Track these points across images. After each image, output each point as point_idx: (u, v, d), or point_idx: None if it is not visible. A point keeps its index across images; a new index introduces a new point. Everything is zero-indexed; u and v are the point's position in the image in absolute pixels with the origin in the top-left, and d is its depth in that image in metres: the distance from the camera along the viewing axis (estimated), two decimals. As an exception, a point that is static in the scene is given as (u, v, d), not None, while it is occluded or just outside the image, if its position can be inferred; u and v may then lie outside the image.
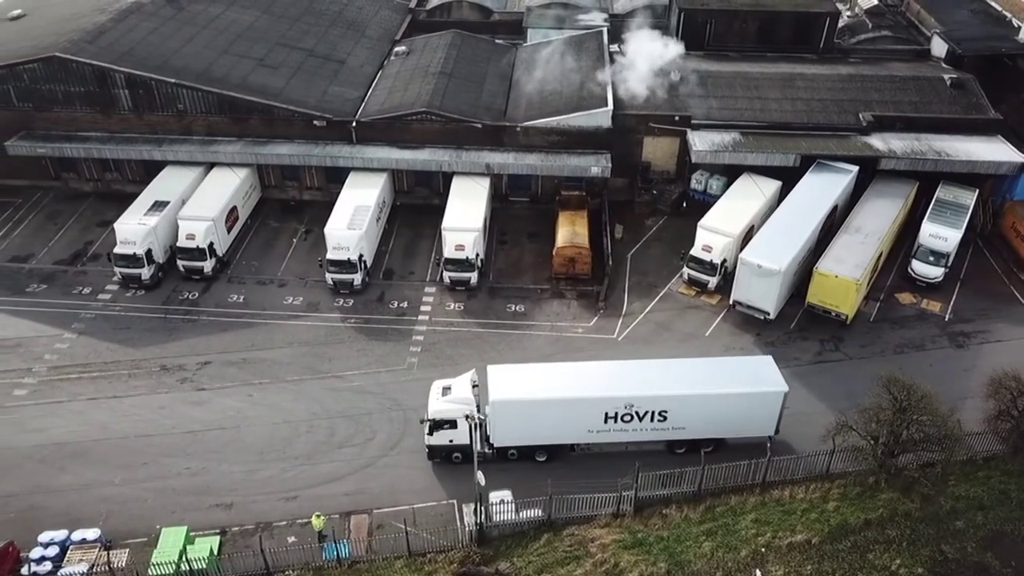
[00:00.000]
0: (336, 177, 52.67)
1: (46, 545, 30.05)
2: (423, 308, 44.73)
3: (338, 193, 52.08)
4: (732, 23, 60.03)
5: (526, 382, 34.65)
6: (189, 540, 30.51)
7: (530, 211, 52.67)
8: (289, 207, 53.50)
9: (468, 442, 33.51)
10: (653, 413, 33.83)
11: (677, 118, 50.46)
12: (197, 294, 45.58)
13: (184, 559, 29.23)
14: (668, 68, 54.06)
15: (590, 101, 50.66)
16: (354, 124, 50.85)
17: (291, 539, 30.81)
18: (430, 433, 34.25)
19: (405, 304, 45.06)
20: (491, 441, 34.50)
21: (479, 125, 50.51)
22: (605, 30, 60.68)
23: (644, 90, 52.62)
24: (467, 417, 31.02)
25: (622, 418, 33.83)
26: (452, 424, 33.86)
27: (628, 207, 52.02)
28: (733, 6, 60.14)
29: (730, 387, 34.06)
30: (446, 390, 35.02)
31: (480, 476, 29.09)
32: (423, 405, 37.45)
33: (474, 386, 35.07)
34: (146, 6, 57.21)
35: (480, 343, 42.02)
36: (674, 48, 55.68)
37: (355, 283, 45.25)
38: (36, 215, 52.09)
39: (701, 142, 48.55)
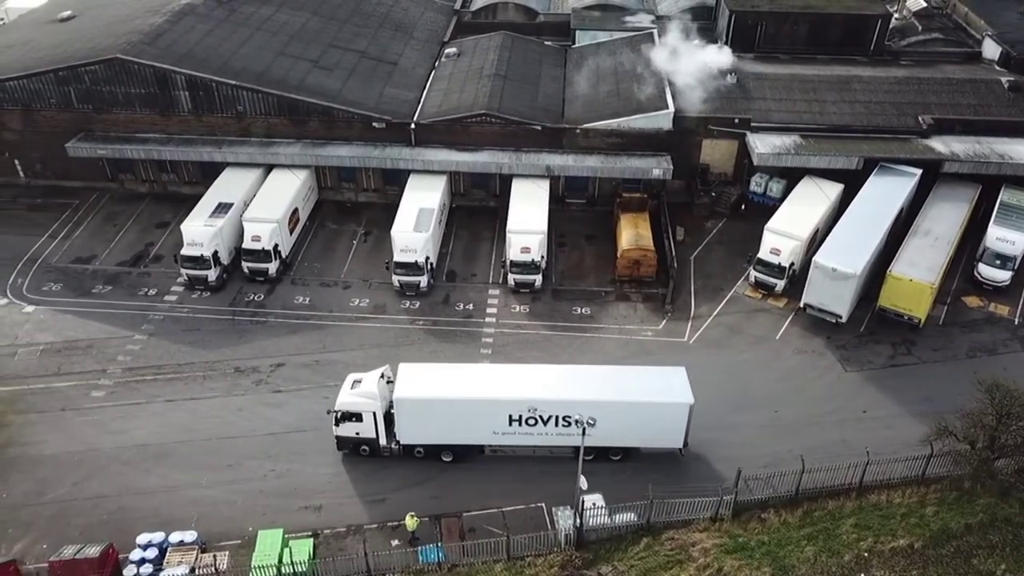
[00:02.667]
0: (392, 179, 52.83)
1: (144, 547, 30.15)
2: (489, 310, 44.77)
3: (394, 195, 52.38)
4: (783, 25, 60.00)
5: (433, 381, 35.02)
6: (284, 543, 30.61)
7: (586, 213, 52.66)
8: (346, 209, 53.54)
9: (374, 436, 34.76)
10: (557, 418, 33.78)
11: (737, 120, 50.42)
12: (263, 296, 45.66)
13: (288, 562, 29.25)
14: (723, 70, 54.11)
15: (650, 103, 50.64)
16: (413, 126, 51.01)
17: (395, 542, 30.89)
18: (336, 424, 34.91)
19: (471, 306, 45.10)
20: (397, 438, 34.95)
21: (538, 127, 50.55)
22: (655, 32, 60.76)
23: (701, 92, 52.67)
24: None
25: (526, 421, 33.86)
26: (358, 417, 34.51)
27: (686, 209, 51.98)
28: (784, 8, 60.11)
29: (634, 396, 33.95)
30: (356, 383, 35.60)
31: (583, 481, 29.11)
32: (500, 407, 38.07)
33: (389, 382, 35.46)
34: (198, 7, 57.34)
35: (550, 346, 42.05)
36: (727, 50, 55.68)
37: (421, 285, 45.31)
38: (94, 216, 52.20)
39: (762, 145, 48.52)
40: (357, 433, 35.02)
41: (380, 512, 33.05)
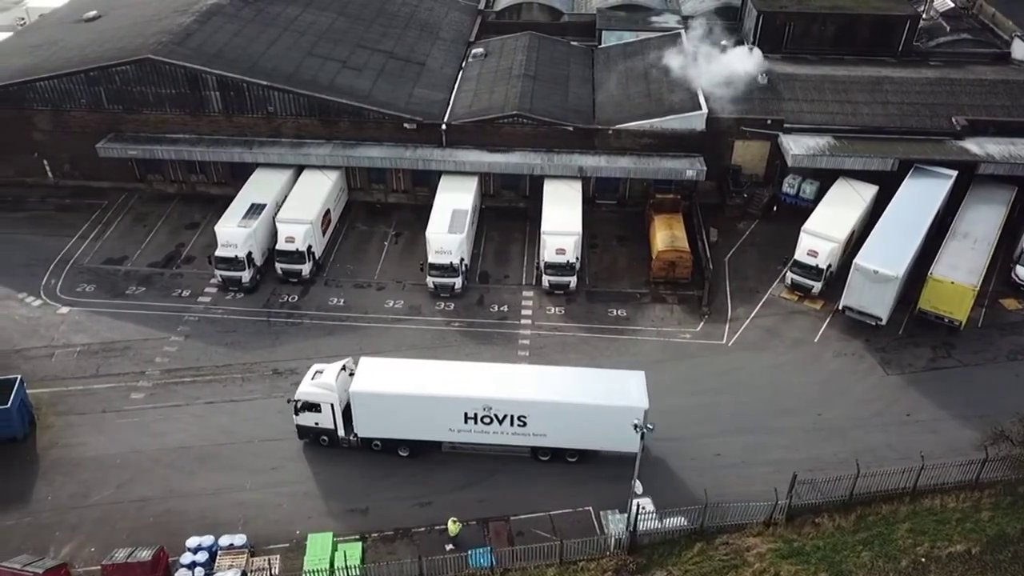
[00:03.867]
0: (422, 180, 52.70)
1: (194, 550, 30.01)
2: (524, 312, 44.59)
3: (424, 196, 52.40)
4: (811, 26, 59.76)
5: (391, 376, 35.17)
6: (334, 546, 30.46)
7: (617, 214, 52.44)
8: (375, 210, 53.36)
9: (332, 427, 35.21)
10: (512, 417, 33.90)
11: (769, 122, 50.22)
12: (297, 297, 45.49)
13: (342, 566, 29.06)
14: (755, 71, 53.91)
15: (683, 104, 50.44)
16: (444, 127, 50.86)
17: (449, 547, 30.73)
18: (296, 413, 35.33)
19: (505, 308, 44.90)
20: (355, 430, 35.31)
21: (570, 128, 50.36)
22: (683, 32, 60.56)
23: (732, 93, 52.46)
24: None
25: (482, 420, 34.05)
26: (316, 408, 34.93)
27: (717, 210, 51.75)
28: (812, 9, 59.85)
29: (587, 398, 33.87)
30: (318, 373, 36.00)
31: (638, 485, 28.95)
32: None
33: (351, 374, 35.70)
34: (225, 7, 57.18)
35: (588, 348, 41.87)
36: (758, 51, 55.46)
37: (455, 287, 45.13)
38: (124, 217, 52.05)
39: (797, 146, 48.31)
40: (316, 423, 35.53)
41: (427, 515, 32.86)
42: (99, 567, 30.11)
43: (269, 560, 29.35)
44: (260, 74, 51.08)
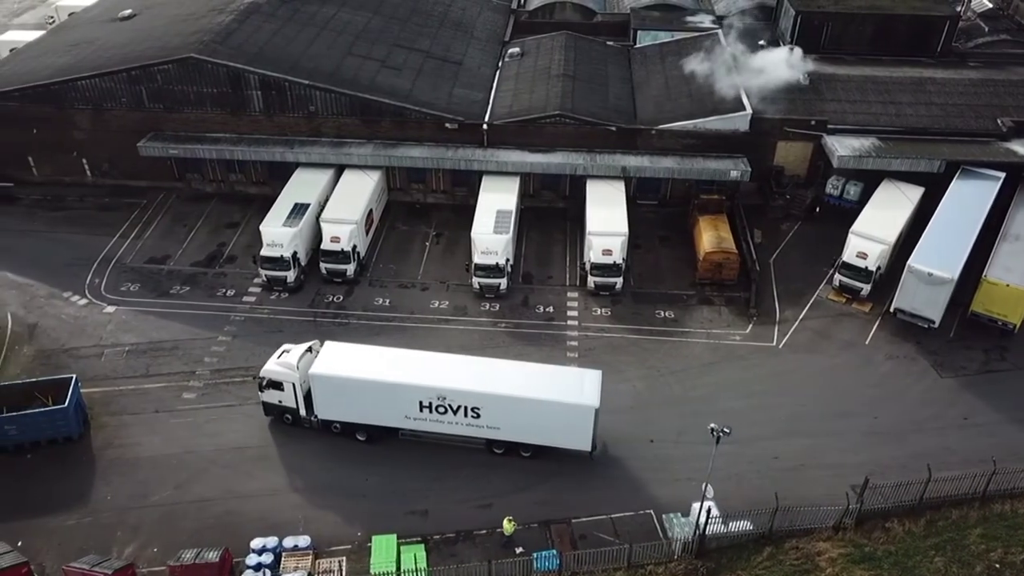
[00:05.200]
0: (461, 180, 52.56)
1: (259, 552, 29.91)
2: (570, 313, 44.36)
3: (463, 196, 52.41)
4: (849, 26, 59.43)
5: (351, 361, 35.74)
6: (397, 548, 30.33)
7: (658, 214, 52.16)
8: (415, 210, 53.18)
9: (295, 406, 36.08)
10: (466, 408, 34.31)
11: (813, 122, 49.94)
12: (342, 297, 45.38)
13: (412, 568, 28.96)
14: (797, 71, 53.63)
15: (727, 104, 50.17)
16: (486, 127, 50.69)
17: (519, 549, 30.58)
18: (260, 390, 36.30)
19: (551, 309, 44.70)
20: (315, 412, 36.07)
21: (613, 128, 50.15)
22: (720, 32, 60.29)
23: (773, 93, 52.23)
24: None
25: (436, 409, 34.46)
26: (279, 386, 35.85)
27: (758, 211, 51.45)
28: (850, 9, 59.50)
29: (538, 393, 34.00)
30: (284, 352, 36.84)
31: (709, 489, 28.76)
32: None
33: (317, 355, 36.44)
34: (263, 6, 57.01)
35: (638, 350, 41.63)
36: (799, 51, 55.17)
37: (501, 287, 44.96)
38: (163, 216, 51.97)
39: (842, 147, 48.02)
40: (280, 401, 36.39)
41: (487, 517, 32.64)
42: (164, 568, 30.06)
43: (339, 562, 29.22)
44: (301, 73, 50.96)
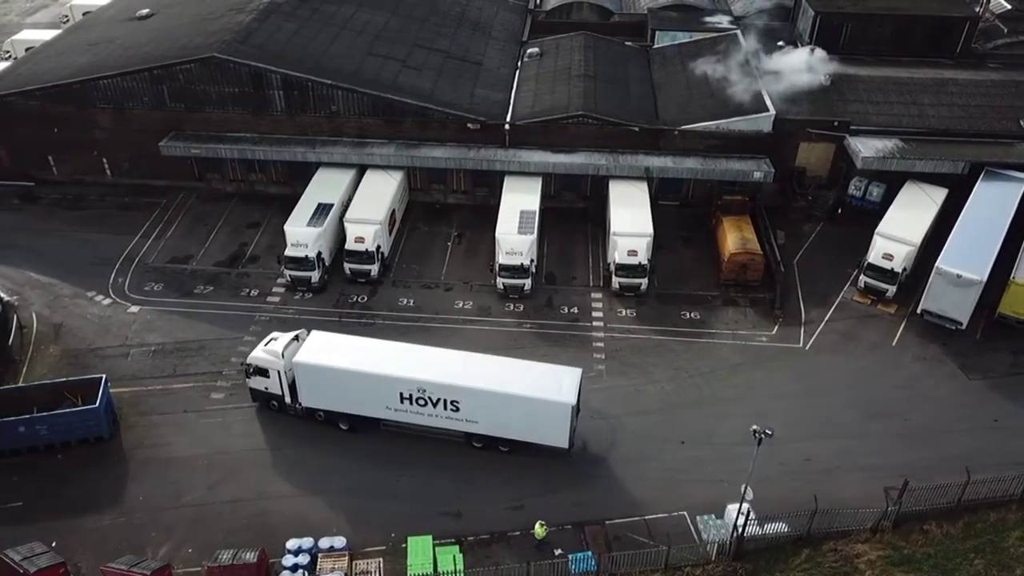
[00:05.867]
0: (481, 181, 52.54)
1: (295, 552, 29.86)
2: (595, 314, 44.28)
3: (483, 197, 52.43)
4: (868, 27, 59.35)
5: (334, 351, 36.25)
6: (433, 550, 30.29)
7: (680, 215, 52.01)
8: (435, 210, 53.13)
9: (280, 393, 36.73)
10: (445, 401, 34.64)
11: (836, 123, 49.88)
12: (366, 297, 45.33)
13: (451, 570, 28.93)
14: (817, 72, 53.58)
15: (750, 105, 50.03)
16: (507, 127, 50.63)
17: (558, 551, 30.52)
18: (247, 376, 37.01)
19: (575, 310, 44.63)
20: (299, 399, 36.69)
21: (636, 129, 50.09)
22: (739, 33, 60.23)
23: (795, 94, 52.17)
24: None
25: (416, 401, 34.85)
26: (265, 373, 36.45)
27: (780, 212, 51.35)
28: (870, 10, 59.44)
29: (515, 389, 34.23)
30: (272, 340, 37.47)
31: (749, 491, 28.72)
32: (624, 413, 37.79)
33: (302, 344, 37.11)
34: (282, 6, 56.90)
35: (665, 351, 41.55)
36: (820, 52, 55.10)
37: (525, 288, 44.88)
38: (184, 216, 51.88)
39: (866, 148, 47.95)
40: (266, 388, 37.00)
41: (520, 518, 32.53)
42: (200, 568, 30.11)
43: (378, 563, 29.16)
44: (323, 73, 50.86)
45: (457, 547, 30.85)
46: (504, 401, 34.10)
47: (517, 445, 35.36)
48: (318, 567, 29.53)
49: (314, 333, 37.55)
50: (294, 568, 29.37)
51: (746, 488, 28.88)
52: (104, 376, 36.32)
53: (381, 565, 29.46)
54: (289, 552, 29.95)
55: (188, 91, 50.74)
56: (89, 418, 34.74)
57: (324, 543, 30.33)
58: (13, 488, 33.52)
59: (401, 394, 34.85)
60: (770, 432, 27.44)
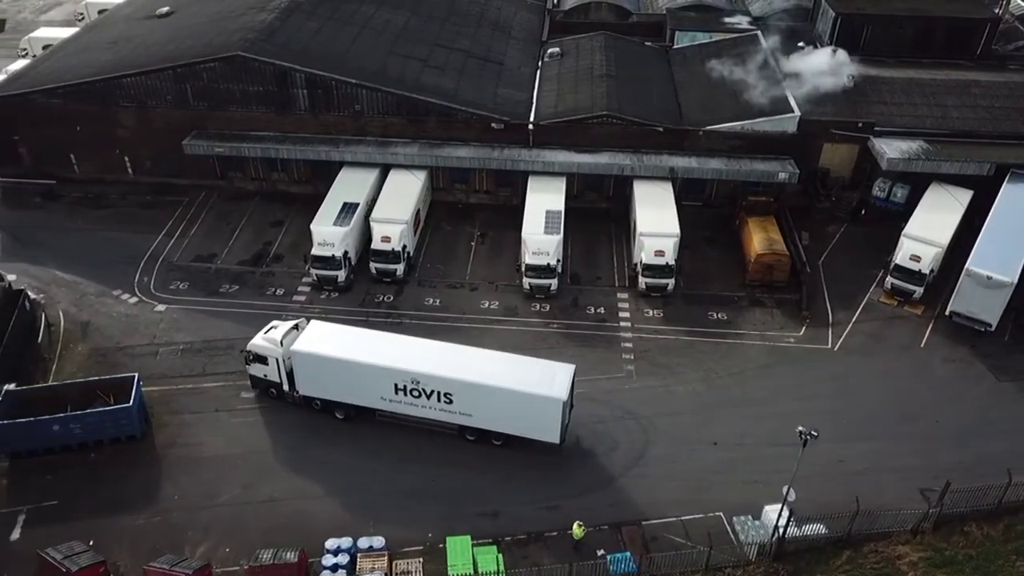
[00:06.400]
0: (505, 181, 52.53)
1: (335, 552, 29.82)
2: (622, 315, 44.26)
3: (505, 196, 52.53)
4: (889, 28, 59.34)
5: (332, 340, 36.77)
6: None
7: (703, 215, 51.88)
8: (457, 210, 53.08)
9: (279, 381, 37.29)
10: (439, 393, 35.05)
11: (860, 124, 49.88)
12: (392, 297, 45.29)
13: (493, 571, 28.93)
14: (840, 73, 53.54)
15: (774, 106, 50.02)
16: (531, 127, 50.59)
17: (600, 551, 30.50)
18: (247, 363, 37.67)
19: (602, 310, 44.59)
20: (296, 387, 37.28)
21: (660, 129, 50.07)
22: (760, 33, 60.20)
23: (818, 95, 52.11)
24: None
25: (411, 392, 35.28)
26: (264, 360, 37.06)
27: (803, 213, 51.36)
28: (891, 11, 59.43)
29: (507, 383, 34.49)
30: (272, 328, 38.10)
31: (791, 492, 28.71)
32: (656, 414, 37.77)
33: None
34: (303, 5, 56.84)
35: (694, 352, 41.53)
36: (843, 53, 55.05)
37: (551, 288, 44.86)
38: (206, 214, 51.81)
39: (891, 150, 47.94)
40: (265, 375, 37.61)
41: (556, 518, 32.55)
42: (238, 568, 30.12)
43: (418, 564, 29.11)
44: (346, 72, 50.79)
45: (495, 547, 30.90)
46: (496, 395, 34.47)
47: (510, 439, 35.65)
48: (358, 567, 29.49)
49: (313, 323, 38.20)
50: (334, 568, 29.31)
51: (788, 489, 28.88)
52: (136, 375, 36.25)
53: (421, 565, 29.41)
54: (328, 552, 29.90)
55: (212, 90, 50.64)
56: (122, 417, 34.69)
57: (363, 543, 30.28)
58: (47, 487, 33.49)
59: (396, 385, 35.33)
60: (816, 433, 27.42)
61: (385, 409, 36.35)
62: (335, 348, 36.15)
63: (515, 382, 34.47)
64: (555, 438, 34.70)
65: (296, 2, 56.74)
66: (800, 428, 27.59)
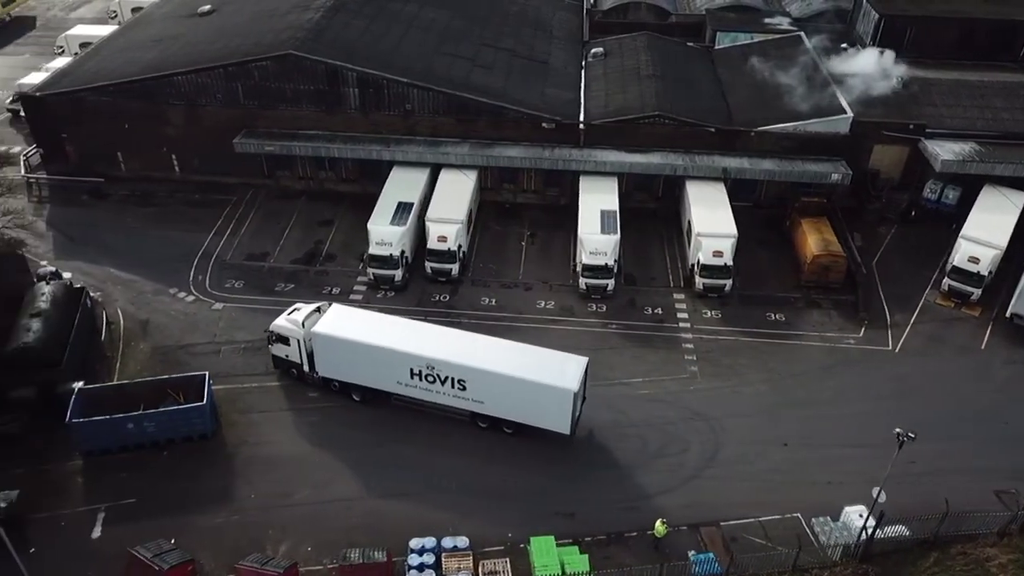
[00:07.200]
0: (553, 180, 52.43)
1: (420, 552, 29.78)
2: (680, 315, 44.21)
3: (552, 197, 52.50)
4: (932, 29, 59.30)
5: (352, 324, 37.59)
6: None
7: (752, 216, 51.54)
8: (505, 210, 52.99)
9: (299, 361, 38.38)
10: (453, 380, 35.67)
11: (912, 126, 49.90)
12: (448, 296, 45.26)
13: (582, 571, 28.91)
14: (889, 74, 53.57)
15: (827, 107, 50.04)
16: (583, 127, 50.58)
17: (691, 553, 30.48)
18: (269, 343, 38.88)
19: (659, 311, 44.54)
20: (316, 369, 38.13)
21: (712, 129, 50.05)
22: (803, 34, 60.19)
23: (867, 96, 52.12)
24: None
25: (426, 377, 35.95)
26: (286, 341, 38.10)
27: (852, 214, 51.37)
28: (935, 12, 59.47)
29: (520, 372, 34.92)
30: (294, 310, 39.32)
31: (882, 494, 28.71)
32: (724, 415, 37.79)
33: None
34: (347, 4, 56.77)
35: (755, 353, 41.49)
36: (890, 54, 55.07)
37: (608, 288, 44.84)
38: (255, 213, 51.67)
39: (945, 151, 47.97)
40: (286, 356, 38.74)
41: (635, 519, 32.56)
42: (321, 567, 30.18)
43: (505, 563, 29.06)
44: (394, 71, 50.65)
45: (576, 548, 30.87)
46: (509, 383, 34.93)
47: (521, 428, 36.01)
48: (444, 567, 29.46)
49: (335, 306, 39.01)
50: (420, 568, 29.23)
51: (880, 491, 28.87)
52: (207, 373, 36.21)
53: (508, 565, 29.36)
54: (413, 551, 29.85)
55: (262, 88, 50.48)
56: (196, 416, 34.66)
57: (447, 543, 30.23)
58: (123, 485, 33.40)
59: (411, 370, 35.97)
60: (913, 435, 27.43)
61: (401, 393, 37.08)
62: (354, 332, 37.04)
63: (528, 371, 34.97)
64: (565, 429, 35.14)
65: (340, 1, 56.77)
66: (898, 429, 27.58)
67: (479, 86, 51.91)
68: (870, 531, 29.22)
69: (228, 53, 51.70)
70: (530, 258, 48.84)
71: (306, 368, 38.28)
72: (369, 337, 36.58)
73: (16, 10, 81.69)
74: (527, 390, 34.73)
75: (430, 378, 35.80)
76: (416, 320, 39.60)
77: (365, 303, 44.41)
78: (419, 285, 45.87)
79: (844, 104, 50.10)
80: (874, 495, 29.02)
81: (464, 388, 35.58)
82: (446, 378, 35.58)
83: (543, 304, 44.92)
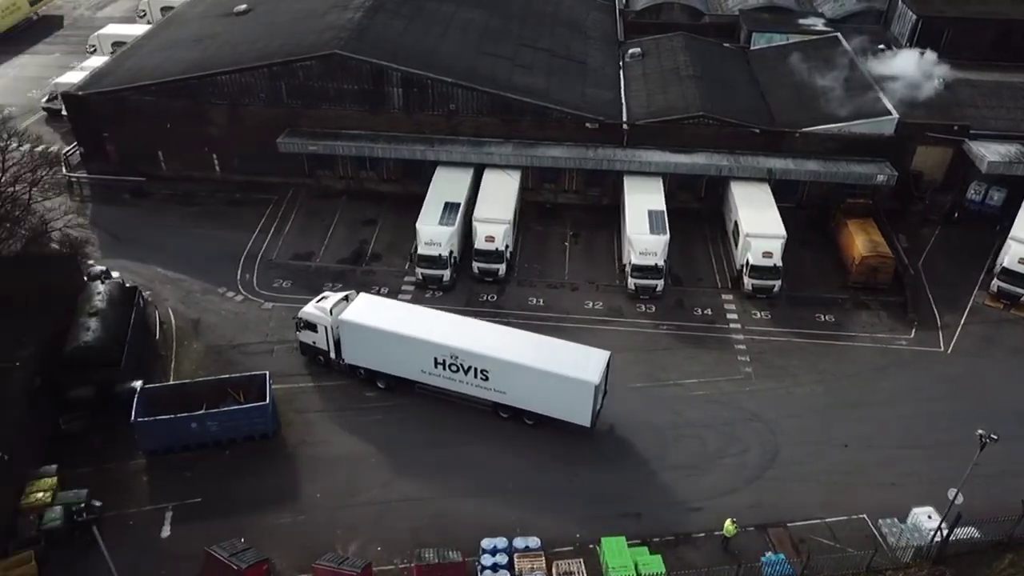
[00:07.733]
0: (595, 181, 52.42)
1: (492, 552, 29.76)
2: (729, 316, 44.19)
3: (594, 197, 52.49)
4: (970, 30, 59.35)
5: (378, 313, 38.28)
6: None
7: (796, 217, 51.32)
8: (546, 210, 52.95)
9: (326, 348, 38.95)
10: (476, 370, 36.13)
11: (955, 127, 49.89)
12: (495, 296, 45.25)
13: (658, 572, 28.96)
14: (931, 76, 53.56)
15: (872, 108, 50.04)
16: (626, 127, 50.56)
17: (767, 554, 30.43)
18: (297, 330, 39.49)
19: (709, 311, 44.52)
20: (343, 356, 38.74)
21: (757, 130, 50.02)
22: (840, 35, 60.16)
23: (910, 98, 52.10)
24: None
25: (449, 367, 36.49)
26: (314, 328, 38.69)
27: (895, 216, 51.36)
28: (972, 14, 59.50)
29: (542, 364, 35.25)
30: (323, 298, 39.99)
31: (959, 496, 28.69)
32: (781, 416, 37.77)
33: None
34: (386, 3, 56.77)
35: (806, 354, 41.44)
36: (931, 55, 55.06)
37: (657, 289, 44.84)
38: (297, 212, 51.70)
39: (991, 153, 47.92)
40: (314, 342, 39.39)
41: (700, 520, 32.60)
42: (393, 567, 30.20)
43: (579, 564, 29.00)
44: (437, 71, 50.66)
45: (646, 548, 30.86)
46: (531, 375, 35.22)
47: (542, 419, 36.26)
48: (516, 567, 29.43)
49: (362, 295, 39.68)
50: (494, 568, 29.18)
51: (957, 493, 28.85)
52: (267, 373, 36.26)
53: (583, 566, 29.31)
54: (485, 552, 29.82)
55: (306, 88, 50.50)
56: (257, 415, 34.67)
57: (519, 543, 30.18)
58: (188, 484, 33.43)
59: (435, 359, 36.44)
60: (995, 437, 27.42)
61: (425, 382, 37.56)
62: (381, 320, 37.55)
63: (550, 364, 35.22)
64: (586, 421, 35.40)
65: (380, 1, 56.76)
66: (980, 431, 27.58)
67: (522, 86, 51.90)
68: (945, 532, 29.20)
69: (270, 53, 51.71)
70: (574, 258, 48.82)
71: (333, 355, 38.87)
72: (395, 326, 37.16)
73: (43, 9, 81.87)
74: (548, 382, 35.06)
75: (453, 367, 36.32)
76: (444, 311, 39.97)
77: (414, 303, 44.22)
78: (466, 285, 45.89)
79: (889, 105, 50.10)
80: (950, 497, 29.01)
81: (487, 378, 36.07)
82: (469, 368, 36.07)
83: (591, 304, 44.90)
